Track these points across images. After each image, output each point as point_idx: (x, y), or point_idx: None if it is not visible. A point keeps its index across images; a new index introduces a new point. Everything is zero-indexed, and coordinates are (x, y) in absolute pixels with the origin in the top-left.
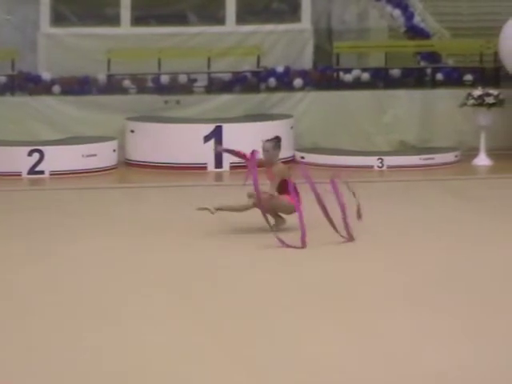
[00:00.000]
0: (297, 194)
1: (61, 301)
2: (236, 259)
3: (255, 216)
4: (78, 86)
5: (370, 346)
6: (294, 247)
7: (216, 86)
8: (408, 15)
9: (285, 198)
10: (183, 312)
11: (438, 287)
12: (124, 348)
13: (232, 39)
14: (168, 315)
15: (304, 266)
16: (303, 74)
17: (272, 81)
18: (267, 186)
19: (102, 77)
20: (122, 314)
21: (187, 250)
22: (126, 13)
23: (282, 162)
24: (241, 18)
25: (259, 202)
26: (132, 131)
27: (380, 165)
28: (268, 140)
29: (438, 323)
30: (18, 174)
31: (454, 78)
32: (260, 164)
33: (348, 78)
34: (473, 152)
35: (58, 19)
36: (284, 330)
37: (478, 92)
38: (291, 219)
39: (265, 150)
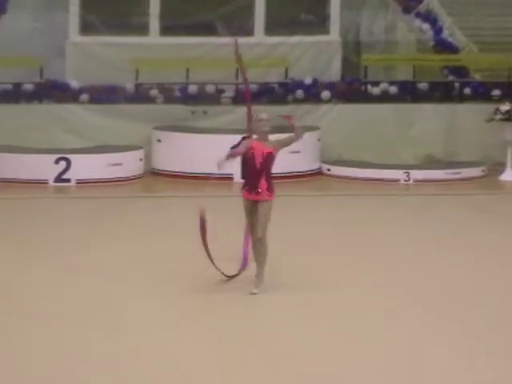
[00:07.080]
0: None
1: (66, 309)
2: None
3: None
4: (105, 95)
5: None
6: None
7: (243, 97)
8: (437, 29)
9: None
10: (191, 324)
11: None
12: (132, 358)
13: (260, 50)
14: (179, 325)
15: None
16: (331, 86)
17: (299, 92)
18: None
19: (129, 86)
20: (137, 323)
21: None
22: (154, 22)
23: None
24: (269, 30)
25: None
26: (159, 140)
27: (406, 178)
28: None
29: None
30: (45, 182)
31: (481, 93)
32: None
33: (376, 90)
34: (499, 167)
35: (86, 28)
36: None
37: (505, 107)
38: None
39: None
